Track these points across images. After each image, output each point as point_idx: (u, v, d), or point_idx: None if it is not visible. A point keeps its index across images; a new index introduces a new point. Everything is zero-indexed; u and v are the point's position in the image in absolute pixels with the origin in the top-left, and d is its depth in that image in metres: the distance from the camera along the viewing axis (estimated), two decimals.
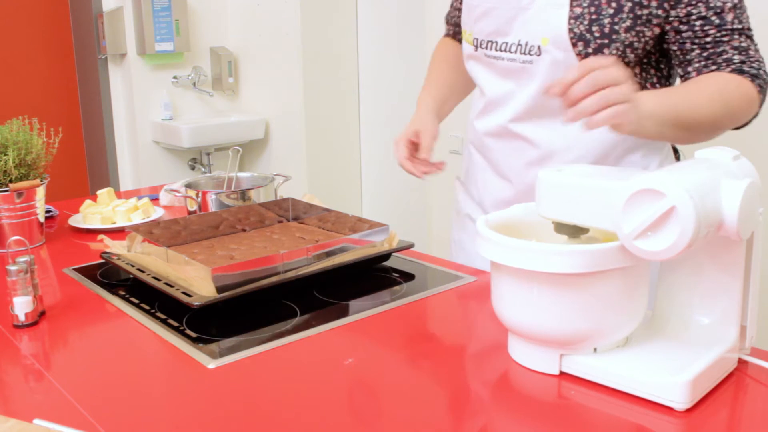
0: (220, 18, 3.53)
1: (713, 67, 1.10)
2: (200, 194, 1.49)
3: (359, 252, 1.19)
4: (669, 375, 0.77)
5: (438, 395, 0.83)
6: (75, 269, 1.28)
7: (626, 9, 1.08)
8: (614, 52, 1.09)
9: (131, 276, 1.16)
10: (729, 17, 1.09)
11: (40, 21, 3.68)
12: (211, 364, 0.89)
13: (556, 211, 0.84)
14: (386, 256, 1.25)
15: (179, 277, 1.06)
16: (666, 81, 1.18)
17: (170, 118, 3.38)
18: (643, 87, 1.16)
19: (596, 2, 1.09)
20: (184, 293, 1.03)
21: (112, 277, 1.23)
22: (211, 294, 1.02)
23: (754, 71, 1.09)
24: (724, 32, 1.10)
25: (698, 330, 0.86)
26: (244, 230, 1.37)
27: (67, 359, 0.95)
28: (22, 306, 1.02)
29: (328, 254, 1.15)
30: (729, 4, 1.10)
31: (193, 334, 0.98)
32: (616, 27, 1.08)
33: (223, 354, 0.92)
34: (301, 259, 1.12)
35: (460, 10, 1.37)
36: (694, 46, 1.10)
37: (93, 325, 1.05)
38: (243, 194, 1.49)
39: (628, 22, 1.08)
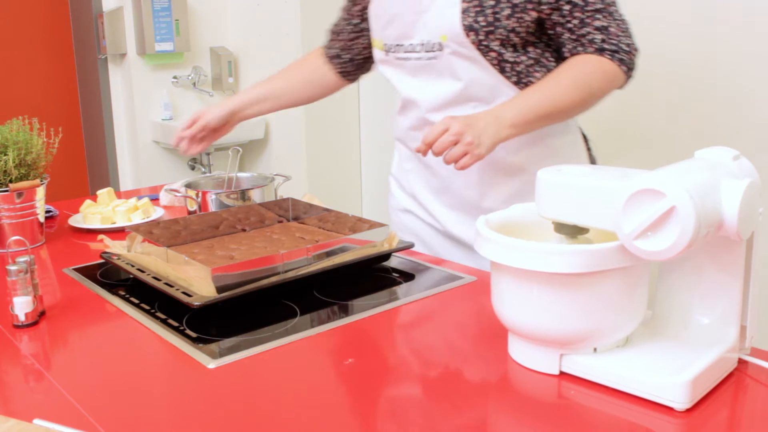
0: (220, 18, 3.53)
1: (579, 48, 1.25)
2: (200, 194, 1.49)
3: (359, 252, 1.19)
4: (669, 375, 0.77)
5: (438, 395, 0.83)
6: (75, 269, 1.28)
7: (503, 0, 1.23)
8: (499, 37, 1.24)
9: (131, 276, 1.16)
10: None
11: (40, 21, 3.68)
12: (211, 364, 0.89)
13: (556, 211, 0.84)
14: (386, 256, 1.25)
15: (179, 277, 1.06)
16: (559, 58, 1.31)
17: (170, 118, 3.38)
18: (538, 63, 1.29)
19: None
20: (184, 293, 1.03)
21: (112, 277, 1.23)
22: (211, 294, 1.02)
23: (613, 48, 1.24)
24: (587, 13, 1.24)
25: (698, 330, 0.86)
26: (244, 230, 1.37)
27: (67, 359, 0.95)
28: (22, 306, 1.02)
29: (328, 254, 1.15)
30: None
31: (193, 334, 0.98)
32: (498, 15, 1.23)
33: (223, 354, 0.92)
34: (301, 259, 1.12)
35: (347, 20, 1.52)
36: (564, 30, 1.25)
37: (93, 325, 1.05)
38: (243, 194, 1.49)
39: (508, 10, 1.23)
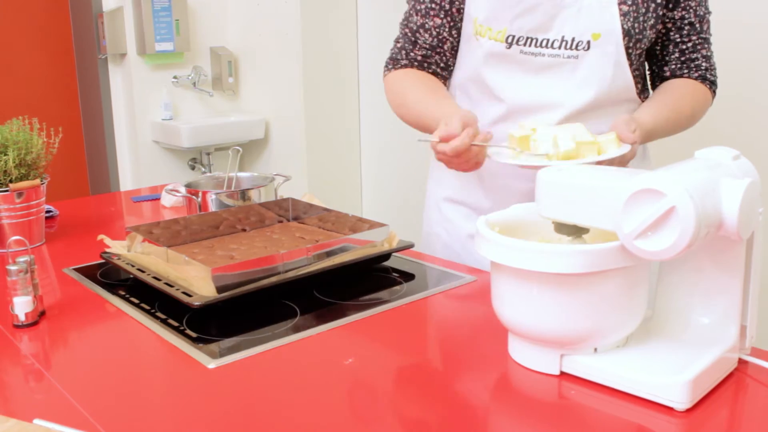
0: (220, 18, 3.53)
1: (685, 71, 1.29)
2: (200, 194, 1.49)
3: (359, 252, 1.19)
4: (669, 375, 0.77)
5: (438, 395, 0.83)
6: (75, 269, 1.28)
7: (651, 8, 1.21)
8: (642, 46, 1.23)
9: (131, 276, 1.16)
10: (705, 27, 1.28)
11: (40, 21, 3.68)
12: (211, 364, 0.89)
13: (556, 211, 0.84)
14: (386, 256, 1.25)
15: (179, 277, 1.06)
16: (641, 73, 1.32)
17: (170, 118, 3.38)
18: (642, 75, 1.31)
19: (636, 2, 1.19)
20: (184, 293, 1.03)
21: (112, 277, 1.23)
22: (211, 294, 1.02)
23: (712, 78, 1.30)
24: (700, 40, 1.28)
25: (698, 330, 0.86)
26: (244, 230, 1.37)
27: (67, 359, 0.95)
28: (22, 306, 1.02)
29: (328, 254, 1.15)
30: (707, 15, 1.28)
31: (193, 334, 0.98)
32: (645, 24, 1.21)
33: (223, 354, 0.92)
34: (301, 259, 1.12)
35: (451, 24, 1.27)
36: (675, 50, 1.28)
37: (93, 325, 1.05)
38: (243, 194, 1.49)
39: (652, 21, 1.22)
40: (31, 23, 3.66)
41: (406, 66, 1.33)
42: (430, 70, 1.32)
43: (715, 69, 1.30)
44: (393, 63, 1.35)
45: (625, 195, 0.74)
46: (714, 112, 2.13)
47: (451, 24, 1.28)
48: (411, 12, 1.31)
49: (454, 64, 1.33)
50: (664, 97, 1.26)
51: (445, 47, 1.30)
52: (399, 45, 1.34)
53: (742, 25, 2.04)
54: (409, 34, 1.31)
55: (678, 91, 1.27)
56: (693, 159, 0.84)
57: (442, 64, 1.32)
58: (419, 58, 1.31)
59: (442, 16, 1.27)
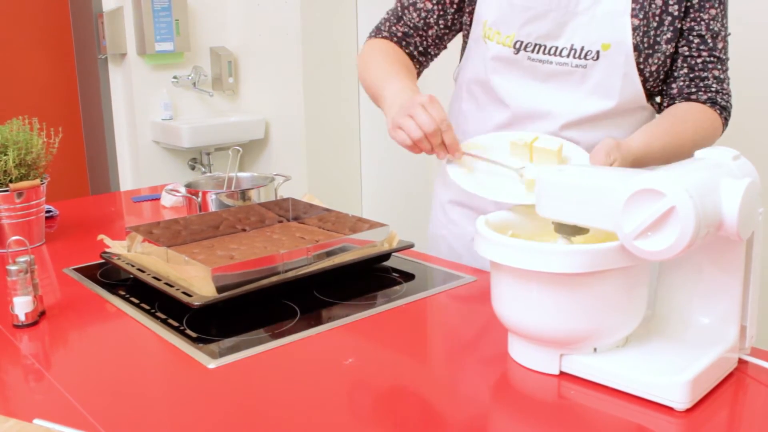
0: (220, 18, 3.53)
1: (693, 90, 1.20)
2: (200, 194, 1.49)
3: (359, 252, 1.19)
4: (669, 375, 0.77)
5: (438, 395, 0.83)
6: (75, 269, 1.28)
7: (667, 22, 1.16)
8: (657, 61, 1.17)
9: (131, 276, 1.16)
10: (720, 45, 1.20)
11: (40, 21, 3.68)
12: (211, 364, 0.89)
13: (556, 211, 0.84)
14: (386, 256, 1.25)
15: (179, 277, 1.06)
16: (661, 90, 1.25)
17: (170, 118, 3.38)
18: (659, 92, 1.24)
19: (648, 15, 1.15)
20: (184, 293, 1.03)
21: (112, 277, 1.23)
22: (211, 294, 1.02)
23: (724, 103, 1.20)
24: (712, 58, 1.19)
25: (698, 330, 0.86)
26: (244, 230, 1.37)
27: (67, 359, 0.95)
28: (22, 306, 1.02)
29: (328, 254, 1.15)
30: (723, 33, 1.20)
31: (193, 334, 0.98)
32: (658, 39, 1.16)
33: (223, 354, 0.92)
34: (301, 259, 1.12)
35: (440, 12, 1.28)
36: (684, 64, 1.20)
37: (93, 325, 1.05)
38: (243, 194, 1.49)
39: (669, 34, 1.17)
40: (31, 23, 3.66)
41: (386, 38, 1.34)
42: (407, 51, 1.33)
43: (728, 94, 1.21)
44: (376, 32, 1.36)
45: (625, 195, 0.74)
46: None
47: (440, 13, 1.29)
48: None
49: (435, 53, 1.35)
50: (664, 122, 1.18)
51: (429, 33, 1.31)
52: (386, 16, 1.35)
53: (741, 23, 2.04)
54: (398, 9, 1.33)
55: (681, 115, 1.19)
56: (693, 159, 0.84)
57: (420, 48, 1.33)
58: (399, 34, 1.32)
59: (434, 2, 1.28)
